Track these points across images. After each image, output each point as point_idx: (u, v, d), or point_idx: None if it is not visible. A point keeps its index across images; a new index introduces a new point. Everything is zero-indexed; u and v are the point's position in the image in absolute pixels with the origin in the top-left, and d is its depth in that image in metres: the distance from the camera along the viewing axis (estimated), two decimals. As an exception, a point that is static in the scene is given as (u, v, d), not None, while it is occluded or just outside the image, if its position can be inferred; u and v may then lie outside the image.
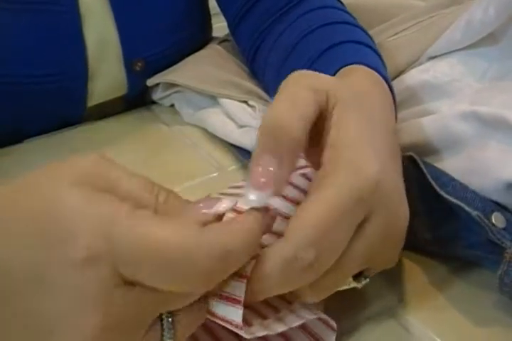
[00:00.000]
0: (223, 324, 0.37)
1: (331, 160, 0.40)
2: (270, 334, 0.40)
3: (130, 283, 0.33)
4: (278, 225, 0.41)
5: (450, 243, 0.49)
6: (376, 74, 0.50)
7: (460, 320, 0.47)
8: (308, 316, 0.41)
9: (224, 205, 0.36)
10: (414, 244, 0.51)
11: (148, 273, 0.33)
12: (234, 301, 0.37)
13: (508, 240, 0.45)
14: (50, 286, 0.32)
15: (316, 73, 0.45)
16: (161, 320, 0.35)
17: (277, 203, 0.42)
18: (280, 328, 0.40)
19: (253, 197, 0.37)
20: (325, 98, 0.41)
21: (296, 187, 0.43)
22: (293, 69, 0.59)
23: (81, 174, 0.34)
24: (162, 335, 0.35)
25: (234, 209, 0.38)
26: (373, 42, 0.61)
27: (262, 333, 0.39)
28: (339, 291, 0.44)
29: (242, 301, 0.37)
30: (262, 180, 0.38)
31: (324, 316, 0.42)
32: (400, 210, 0.43)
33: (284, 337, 0.43)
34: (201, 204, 0.36)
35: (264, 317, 0.42)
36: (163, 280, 0.33)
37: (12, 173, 0.68)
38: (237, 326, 0.37)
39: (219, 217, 0.36)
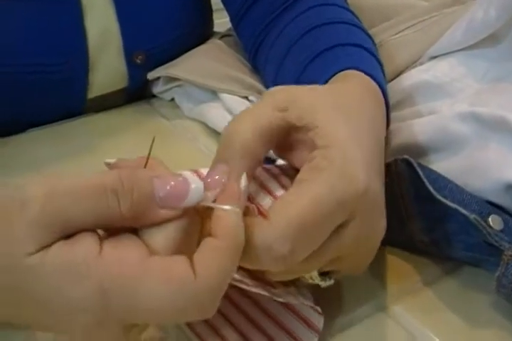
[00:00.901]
0: None
1: (319, 155, 0.40)
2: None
3: None
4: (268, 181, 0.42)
5: (447, 245, 0.50)
6: (370, 80, 0.50)
7: (454, 319, 0.48)
8: (304, 301, 0.42)
9: (193, 186, 0.36)
10: (411, 245, 0.51)
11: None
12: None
13: (506, 242, 0.45)
14: None
15: (293, 88, 0.45)
16: None
17: None
18: (276, 298, 0.41)
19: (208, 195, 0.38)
20: (294, 116, 0.42)
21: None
22: (290, 70, 0.60)
23: (35, 225, 0.33)
24: None
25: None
26: (373, 43, 0.61)
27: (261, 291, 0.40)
28: (334, 290, 0.44)
29: None
30: (211, 181, 0.39)
31: (307, 302, 0.43)
32: (379, 222, 0.43)
33: (275, 321, 0.44)
34: (167, 199, 0.35)
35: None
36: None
37: (11, 163, 0.68)
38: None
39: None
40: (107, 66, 0.77)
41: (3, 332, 0.36)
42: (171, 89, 0.80)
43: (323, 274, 0.44)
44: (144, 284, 0.33)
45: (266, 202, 0.41)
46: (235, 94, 0.72)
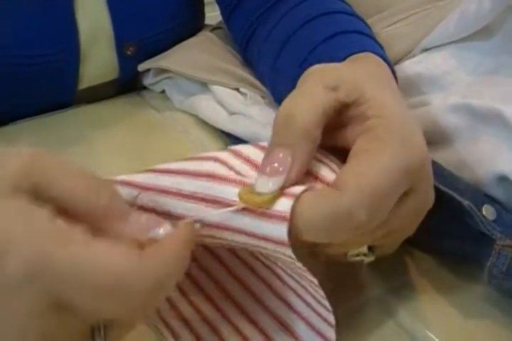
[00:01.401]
0: (263, 244, 0.37)
1: (377, 125, 0.40)
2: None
3: (62, 304, 0.32)
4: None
5: (439, 234, 0.50)
6: (381, 60, 0.50)
7: (448, 311, 0.47)
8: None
9: (161, 231, 0.35)
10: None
11: (81, 300, 0.31)
12: (280, 218, 0.36)
13: (498, 232, 0.45)
14: None
15: (334, 66, 0.45)
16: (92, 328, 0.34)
17: None
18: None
19: (268, 184, 0.37)
20: (344, 94, 0.41)
21: None
22: (291, 58, 0.59)
23: (15, 177, 0.32)
24: None
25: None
26: (371, 32, 0.61)
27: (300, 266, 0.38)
28: (329, 279, 0.44)
29: (289, 219, 0.36)
30: (277, 166, 0.38)
31: (327, 304, 0.42)
32: (431, 192, 0.44)
33: (286, 328, 0.44)
34: (140, 223, 0.35)
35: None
36: (96, 305, 0.32)
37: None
38: (284, 244, 0.36)
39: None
40: (98, 57, 0.76)
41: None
42: (161, 81, 0.80)
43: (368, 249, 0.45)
44: (89, 254, 0.31)
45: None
46: (225, 86, 0.72)
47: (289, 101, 0.41)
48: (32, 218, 0.31)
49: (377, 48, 0.54)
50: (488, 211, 0.46)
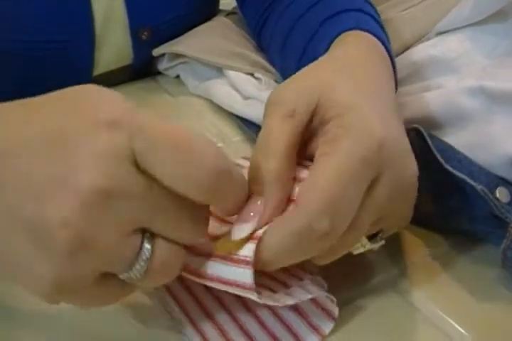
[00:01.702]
0: (231, 290, 0.38)
1: (333, 127, 0.40)
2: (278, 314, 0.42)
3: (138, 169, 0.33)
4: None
5: (454, 217, 0.50)
6: (374, 39, 0.50)
7: (462, 295, 0.47)
8: (317, 292, 0.42)
9: None
10: (418, 217, 0.51)
11: (160, 159, 0.33)
12: (243, 262, 0.37)
13: (512, 215, 0.45)
14: (66, 144, 0.33)
15: (289, 85, 0.45)
16: (142, 239, 0.35)
17: None
18: (289, 301, 0.40)
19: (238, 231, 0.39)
20: (302, 115, 0.42)
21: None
22: (295, 42, 0.59)
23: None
24: (138, 255, 0.35)
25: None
26: (377, 14, 0.61)
27: (271, 303, 0.39)
28: (342, 264, 0.44)
29: (252, 262, 0.37)
30: (248, 212, 0.39)
31: (331, 296, 0.42)
32: (408, 166, 0.43)
33: (284, 324, 0.44)
34: None
35: (274, 292, 0.42)
36: (172, 170, 0.33)
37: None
38: (249, 288, 0.37)
39: None
40: (113, 42, 0.76)
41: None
42: (176, 65, 0.80)
43: (372, 237, 0.45)
44: None
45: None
46: (240, 71, 0.72)
47: (256, 146, 0.42)
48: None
49: (370, 24, 0.54)
50: (502, 193, 0.46)
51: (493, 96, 0.51)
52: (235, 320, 0.44)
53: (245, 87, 0.70)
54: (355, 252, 0.44)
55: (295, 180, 0.41)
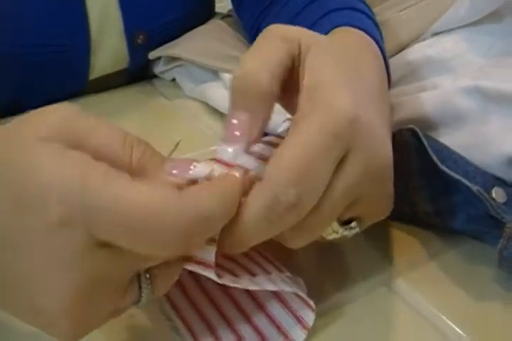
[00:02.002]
0: (192, 268, 0.37)
1: (304, 102, 0.40)
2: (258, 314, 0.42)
3: (106, 244, 0.33)
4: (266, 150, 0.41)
5: (450, 216, 0.49)
6: (366, 36, 0.50)
7: (459, 294, 0.47)
8: (285, 288, 0.41)
9: (199, 170, 0.36)
10: (414, 217, 0.51)
11: (123, 237, 0.32)
12: (205, 265, 0.37)
13: (508, 215, 0.45)
14: (26, 251, 0.32)
15: (291, 26, 0.44)
16: (139, 275, 0.36)
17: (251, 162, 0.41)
18: (251, 286, 0.39)
19: (229, 150, 0.38)
20: (296, 46, 0.41)
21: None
22: None
23: (51, 128, 0.34)
24: (140, 290, 0.36)
25: (225, 163, 0.39)
26: (372, 13, 0.61)
27: (231, 284, 0.39)
28: (338, 263, 0.44)
29: (213, 265, 0.37)
30: (236, 133, 0.39)
31: (302, 294, 0.42)
32: (381, 148, 0.42)
33: (266, 314, 0.44)
34: (175, 168, 0.36)
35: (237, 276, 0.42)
36: (138, 244, 0.33)
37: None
38: (209, 266, 0.37)
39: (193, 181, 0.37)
40: (109, 47, 0.76)
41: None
42: (172, 69, 0.80)
43: (346, 224, 0.44)
44: (130, 190, 0.32)
45: None
46: (236, 73, 0.72)
47: (243, 60, 0.41)
48: (70, 161, 0.32)
49: (364, 22, 0.54)
50: (498, 194, 0.46)
51: (489, 96, 0.50)
52: (224, 317, 0.44)
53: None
54: (329, 237, 0.44)
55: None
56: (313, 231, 0.41)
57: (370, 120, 0.41)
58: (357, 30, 0.50)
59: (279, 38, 0.41)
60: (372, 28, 0.53)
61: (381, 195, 0.44)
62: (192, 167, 0.36)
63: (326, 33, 0.51)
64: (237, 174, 0.37)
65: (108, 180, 0.32)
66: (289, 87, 0.42)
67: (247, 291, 0.44)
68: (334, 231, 0.44)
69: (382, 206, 0.45)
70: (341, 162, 0.39)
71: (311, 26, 0.57)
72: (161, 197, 0.32)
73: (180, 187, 0.34)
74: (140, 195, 0.32)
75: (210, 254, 0.37)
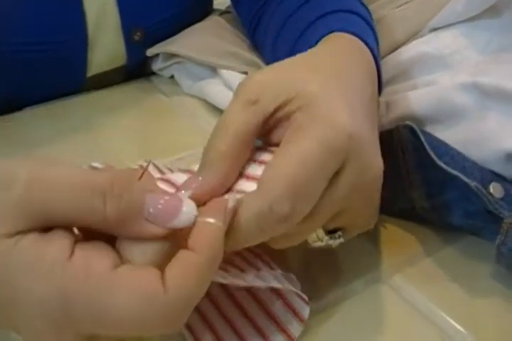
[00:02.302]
0: None
1: (301, 115, 0.40)
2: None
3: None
4: (254, 170, 0.41)
5: (448, 212, 0.49)
6: (361, 43, 0.50)
7: (457, 290, 0.47)
8: (276, 284, 0.41)
9: (183, 219, 0.34)
10: (411, 213, 0.51)
11: (111, 332, 0.33)
12: None
13: (506, 210, 0.45)
14: None
15: (257, 74, 0.44)
16: None
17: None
18: (238, 282, 0.39)
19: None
20: (266, 104, 0.41)
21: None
22: (285, 41, 0.59)
23: (15, 207, 0.32)
24: None
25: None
26: (369, 13, 0.60)
27: (220, 280, 0.38)
28: (336, 260, 0.44)
29: None
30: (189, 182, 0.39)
31: (295, 289, 0.42)
32: (373, 162, 0.42)
33: (262, 307, 0.44)
34: (157, 214, 0.34)
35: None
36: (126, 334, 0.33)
37: (9, 141, 0.68)
38: None
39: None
40: (106, 44, 0.76)
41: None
42: (170, 65, 0.80)
43: (331, 232, 0.44)
44: (110, 295, 0.31)
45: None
46: (234, 70, 0.72)
47: (215, 129, 0.42)
48: (43, 260, 0.31)
49: (358, 26, 0.54)
50: (495, 189, 0.46)
51: (487, 92, 0.50)
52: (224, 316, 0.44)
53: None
54: (313, 245, 0.44)
55: (256, 161, 0.41)
56: (297, 238, 0.42)
57: (364, 133, 0.41)
58: (352, 37, 0.50)
59: (241, 102, 0.41)
60: (368, 34, 0.53)
61: (368, 206, 0.44)
62: (176, 212, 0.34)
63: (321, 37, 0.51)
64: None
65: (87, 282, 0.31)
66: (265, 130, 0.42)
67: (247, 289, 0.44)
68: (319, 239, 0.44)
69: (368, 217, 0.46)
70: (335, 174, 0.39)
71: (306, 28, 0.57)
72: (144, 300, 0.32)
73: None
74: (123, 298, 0.31)
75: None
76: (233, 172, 0.40)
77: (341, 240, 0.45)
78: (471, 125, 0.51)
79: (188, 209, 0.35)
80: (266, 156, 0.42)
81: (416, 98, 0.54)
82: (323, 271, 0.49)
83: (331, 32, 0.51)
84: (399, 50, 0.64)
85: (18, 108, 0.75)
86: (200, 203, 0.37)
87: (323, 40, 0.51)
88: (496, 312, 0.46)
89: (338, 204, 0.41)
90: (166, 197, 0.34)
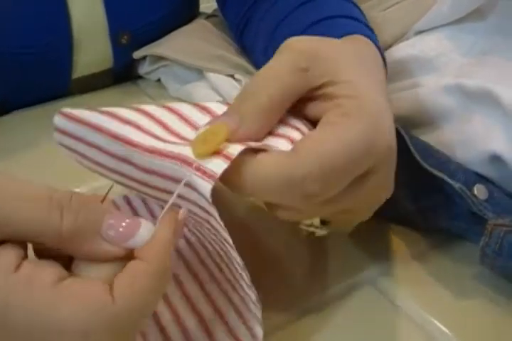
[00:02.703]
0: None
1: (349, 104, 0.40)
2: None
3: None
4: (285, 131, 0.41)
5: (433, 214, 0.50)
6: (372, 43, 0.50)
7: (442, 292, 0.47)
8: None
9: (140, 238, 0.34)
10: (397, 216, 0.51)
11: None
12: (211, 177, 0.35)
13: (490, 212, 0.45)
14: None
15: (312, 41, 0.44)
16: None
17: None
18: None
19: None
20: (314, 76, 0.41)
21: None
22: (280, 42, 0.59)
23: None
24: None
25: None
26: (365, 18, 0.61)
27: None
28: (323, 261, 0.44)
29: (217, 179, 0.35)
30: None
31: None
32: (392, 180, 0.43)
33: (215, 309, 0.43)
34: (114, 233, 0.33)
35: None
36: None
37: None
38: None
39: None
40: (92, 46, 0.76)
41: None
42: (157, 69, 0.80)
43: (322, 223, 0.45)
44: (53, 306, 0.30)
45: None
46: (221, 73, 0.72)
47: (257, 78, 0.41)
48: None
49: (367, 32, 0.53)
50: (479, 190, 0.46)
51: (471, 94, 0.51)
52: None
53: (226, 88, 0.70)
54: (304, 228, 0.45)
55: (286, 124, 0.41)
56: (304, 215, 0.43)
57: (396, 149, 0.42)
58: (366, 39, 0.50)
59: (292, 65, 0.41)
60: (374, 37, 0.53)
61: (368, 210, 0.45)
62: (133, 233, 0.34)
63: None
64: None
65: (30, 293, 0.30)
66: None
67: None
68: (312, 224, 0.44)
69: (361, 218, 0.46)
70: (362, 175, 0.39)
71: (307, 28, 0.57)
72: (91, 312, 0.31)
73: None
74: (68, 309, 0.30)
75: (218, 167, 0.36)
76: (267, 128, 0.40)
77: (325, 232, 0.46)
78: (455, 127, 0.51)
79: (143, 232, 0.34)
80: (296, 123, 0.41)
81: (401, 100, 0.54)
82: (310, 273, 0.49)
83: (344, 35, 0.51)
84: (387, 51, 0.64)
85: (3, 112, 0.74)
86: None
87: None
88: (480, 314, 0.46)
89: (352, 202, 0.41)
90: (123, 221, 0.34)
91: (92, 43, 0.75)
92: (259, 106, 0.39)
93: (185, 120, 0.41)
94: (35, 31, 0.70)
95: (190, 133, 0.40)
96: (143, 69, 0.81)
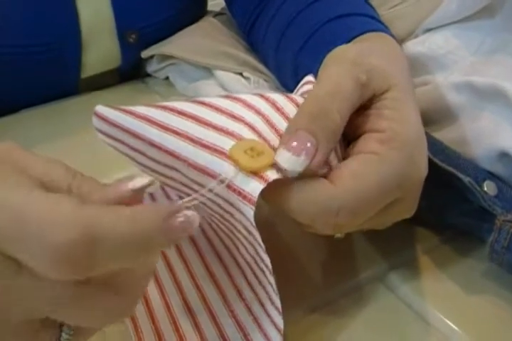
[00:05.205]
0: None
1: (398, 135, 0.40)
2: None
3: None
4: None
5: (444, 210, 0.50)
6: (393, 40, 0.50)
7: (452, 289, 0.48)
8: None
9: (139, 182, 0.32)
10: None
11: (13, 247, 0.29)
12: (246, 199, 0.36)
13: (499, 207, 0.45)
14: None
15: (361, 51, 0.44)
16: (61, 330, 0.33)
17: None
18: None
19: (291, 161, 0.37)
20: (373, 89, 0.41)
21: None
22: (294, 39, 0.58)
23: None
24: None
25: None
26: (377, 13, 0.61)
27: None
28: (332, 259, 0.44)
29: (254, 202, 0.36)
30: (301, 147, 0.37)
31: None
32: (416, 205, 0.44)
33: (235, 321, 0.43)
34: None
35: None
36: (25, 256, 0.29)
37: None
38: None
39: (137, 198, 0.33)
40: (100, 45, 0.76)
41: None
42: (165, 67, 0.80)
43: None
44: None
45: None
46: (229, 71, 0.72)
47: (321, 92, 0.40)
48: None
49: (386, 30, 0.54)
50: (489, 187, 0.46)
51: (480, 91, 0.51)
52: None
53: (234, 86, 0.70)
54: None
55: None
56: (328, 233, 0.43)
57: (426, 172, 0.43)
58: (389, 37, 0.51)
59: (353, 79, 0.40)
60: (392, 34, 0.53)
61: (383, 227, 0.46)
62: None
63: (353, 37, 0.52)
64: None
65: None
66: None
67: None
68: None
69: (380, 228, 0.47)
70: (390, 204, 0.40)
71: (326, 23, 0.57)
72: (52, 207, 0.29)
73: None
74: (33, 204, 0.29)
75: (255, 189, 0.36)
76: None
77: (343, 236, 0.46)
78: (465, 124, 0.51)
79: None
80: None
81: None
82: (318, 270, 0.49)
83: (364, 32, 0.51)
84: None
85: (12, 111, 0.75)
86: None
87: (363, 38, 0.51)
88: (491, 311, 0.46)
89: (376, 223, 0.43)
90: None
91: (100, 42, 0.76)
92: (333, 124, 0.39)
93: (277, 109, 0.41)
94: (44, 31, 0.70)
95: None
96: (151, 67, 0.81)
